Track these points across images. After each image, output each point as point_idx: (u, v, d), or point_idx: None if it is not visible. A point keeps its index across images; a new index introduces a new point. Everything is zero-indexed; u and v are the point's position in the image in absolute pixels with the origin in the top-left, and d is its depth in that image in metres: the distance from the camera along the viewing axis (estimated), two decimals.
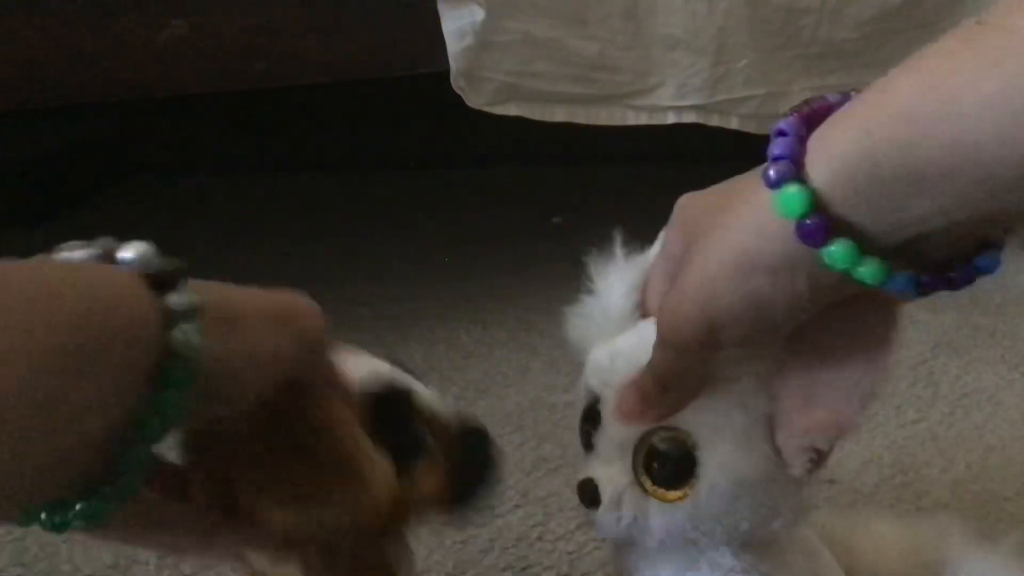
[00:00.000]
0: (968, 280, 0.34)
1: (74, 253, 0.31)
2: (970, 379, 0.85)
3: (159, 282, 0.30)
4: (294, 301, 0.35)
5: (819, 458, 0.39)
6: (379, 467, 0.38)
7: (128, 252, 0.30)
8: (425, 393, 0.43)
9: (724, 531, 0.41)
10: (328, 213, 1.54)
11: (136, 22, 0.81)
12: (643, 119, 0.91)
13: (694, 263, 0.36)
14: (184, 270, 0.30)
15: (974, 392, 0.83)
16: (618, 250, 0.45)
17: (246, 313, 0.33)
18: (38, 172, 1.58)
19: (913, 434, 0.76)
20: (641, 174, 1.53)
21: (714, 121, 0.91)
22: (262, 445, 0.36)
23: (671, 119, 0.91)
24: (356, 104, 1.56)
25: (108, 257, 0.30)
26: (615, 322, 0.44)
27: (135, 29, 0.82)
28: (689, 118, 0.91)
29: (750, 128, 0.91)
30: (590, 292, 0.45)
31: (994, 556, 0.49)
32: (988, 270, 0.34)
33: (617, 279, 0.44)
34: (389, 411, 0.40)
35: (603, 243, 0.45)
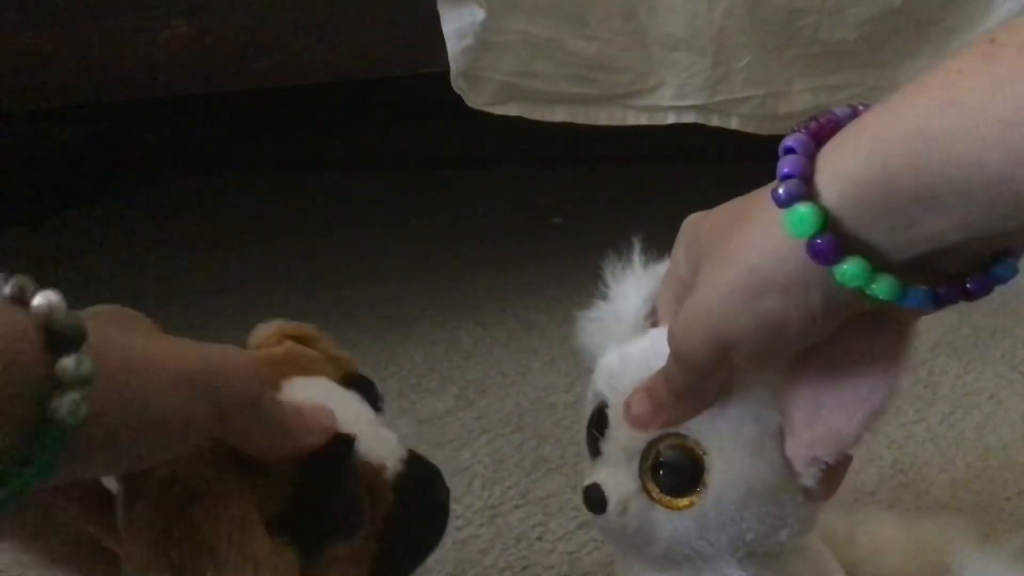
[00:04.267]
0: (986, 290, 0.34)
1: None
2: (970, 379, 0.85)
3: (59, 339, 0.29)
4: (221, 359, 0.34)
5: (829, 471, 0.38)
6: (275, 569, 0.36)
7: (38, 299, 0.29)
8: (373, 434, 0.40)
9: (730, 540, 0.40)
10: (328, 213, 1.54)
11: (136, 22, 0.81)
12: (643, 119, 0.91)
13: (704, 284, 0.36)
14: (85, 331, 0.29)
15: (974, 392, 0.83)
16: (636, 257, 0.44)
17: (155, 375, 0.32)
18: (38, 172, 1.58)
19: (913, 434, 0.76)
20: (641, 174, 1.53)
21: (714, 121, 0.91)
22: (160, 513, 0.34)
23: (671, 119, 0.91)
24: (356, 104, 1.56)
25: (20, 299, 0.30)
26: (627, 329, 0.43)
27: (135, 29, 0.82)
28: (689, 118, 0.91)
29: (750, 128, 0.90)
30: (605, 298, 0.44)
31: (998, 559, 0.49)
32: (1005, 279, 0.34)
33: (633, 287, 0.44)
34: (325, 469, 0.38)
35: (620, 248, 0.44)
